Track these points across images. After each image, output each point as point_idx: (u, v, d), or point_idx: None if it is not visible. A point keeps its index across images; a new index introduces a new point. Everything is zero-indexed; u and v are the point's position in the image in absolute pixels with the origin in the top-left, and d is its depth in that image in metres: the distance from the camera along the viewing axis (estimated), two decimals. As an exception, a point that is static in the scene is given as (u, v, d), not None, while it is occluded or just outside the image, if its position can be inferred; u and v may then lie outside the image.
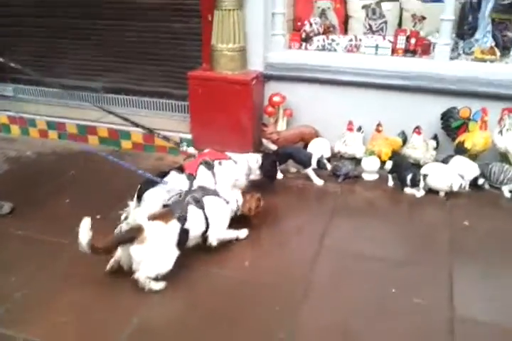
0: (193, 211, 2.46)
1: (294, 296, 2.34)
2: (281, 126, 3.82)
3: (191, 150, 3.07)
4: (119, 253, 2.37)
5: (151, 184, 2.72)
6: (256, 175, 3.23)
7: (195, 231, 2.48)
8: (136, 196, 2.73)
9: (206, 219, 2.51)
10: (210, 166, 2.92)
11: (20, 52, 4.51)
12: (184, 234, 2.41)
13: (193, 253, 2.53)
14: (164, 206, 2.59)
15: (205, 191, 2.63)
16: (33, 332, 2.11)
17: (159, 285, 2.33)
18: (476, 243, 2.77)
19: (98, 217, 2.98)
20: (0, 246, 2.74)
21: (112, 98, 4.42)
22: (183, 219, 2.39)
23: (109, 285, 2.39)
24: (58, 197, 3.24)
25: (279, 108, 3.77)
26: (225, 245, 2.67)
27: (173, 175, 2.82)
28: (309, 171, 3.44)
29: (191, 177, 2.84)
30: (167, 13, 3.90)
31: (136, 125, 3.07)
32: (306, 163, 3.41)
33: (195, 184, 2.80)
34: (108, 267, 2.43)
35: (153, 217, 2.36)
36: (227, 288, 2.41)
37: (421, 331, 2.15)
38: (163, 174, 2.83)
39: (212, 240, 2.57)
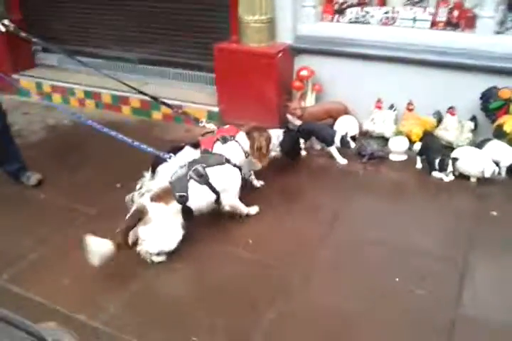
0: (194, 187, 2.44)
1: (293, 278, 2.32)
2: (310, 101, 3.70)
3: (211, 126, 3.02)
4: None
5: (163, 158, 2.73)
6: (276, 151, 3.13)
7: (200, 205, 2.49)
8: (150, 169, 2.77)
9: (213, 189, 2.50)
10: (226, 141, 2.87)
11: (58, 23, 4.67)
12: (187, 210, 2.43)
13: (202, 227, 2.56)
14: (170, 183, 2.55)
15: (207, 161, 2.54)
16: (38, 291, 2.26)
17: (160, 258, 2.41)
18: (501, 236, 2.57)
19: (118, 185, 3.09)
20: (22, 208, 2.93)
21: (145, 69, 4.47)
22: (183, 199, 2.39)
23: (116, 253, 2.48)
24: (84, 166, 3.38)
25: (308, 82, 3.64)
26: (233, 221, 2.68)
27: (188, 150, 2.81)
28: (332, 149, 3.32)
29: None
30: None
31: (155, 99, 3.08)
32: (329, 141, 3.30)
33: None
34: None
35: (155, 198, 2.37)
36: (228, 265, 2.43)
37: (419, 324, 2.05)
38: (178, 149, 2.81)
39: (225, 205, 2.62)
